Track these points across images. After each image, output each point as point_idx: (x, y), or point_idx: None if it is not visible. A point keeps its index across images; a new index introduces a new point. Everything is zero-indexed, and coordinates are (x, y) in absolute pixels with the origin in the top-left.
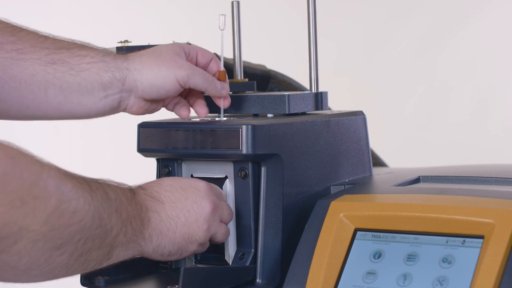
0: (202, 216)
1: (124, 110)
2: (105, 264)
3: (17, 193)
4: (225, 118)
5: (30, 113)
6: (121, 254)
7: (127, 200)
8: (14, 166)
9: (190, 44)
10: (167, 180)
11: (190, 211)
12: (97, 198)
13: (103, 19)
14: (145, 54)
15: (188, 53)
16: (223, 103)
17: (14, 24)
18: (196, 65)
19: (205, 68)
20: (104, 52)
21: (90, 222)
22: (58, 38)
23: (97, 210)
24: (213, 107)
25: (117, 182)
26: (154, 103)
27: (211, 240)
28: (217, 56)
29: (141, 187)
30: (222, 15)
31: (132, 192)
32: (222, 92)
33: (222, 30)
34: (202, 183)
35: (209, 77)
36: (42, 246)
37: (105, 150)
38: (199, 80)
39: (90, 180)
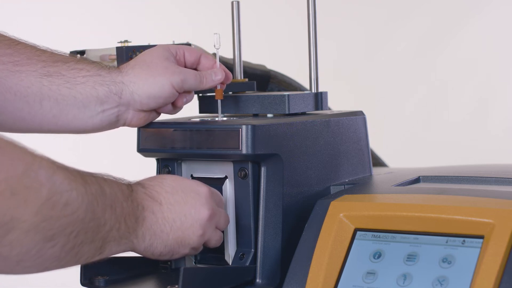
0: (198, 222)
1: (124, 125)
2: (97, 257)
3: (7, 183)
4: (225, 118)
5: (25, 126)
6: (113, 249)
7: (123, 196)
8: (3, 156)
9: (190, 44)
10: (169, 180)
11: (187, 216)
12: (92, 191)
13: (103, 19)
14: (138, 65)
15: (176, 54)
16: (219, 80)
17: (12, 37)
18: (185, 63)
19: (195, 65)
20: (100, 66)
21: (82, 215)
22: (56, 52)
23: (91, 203)
24: (211, 107)
25: (115, 177)
26: (153, 112)
27: (204, 245)
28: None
29: (141, 184)
30: (217, 34)
31: (130, 189)
32: (216, 79)
33: (218, 48)
34: (204, 188)
35: (197, 76)
36: (33, 237)
37: (105, 150)
38: (191, 82)
39: (86, 174)
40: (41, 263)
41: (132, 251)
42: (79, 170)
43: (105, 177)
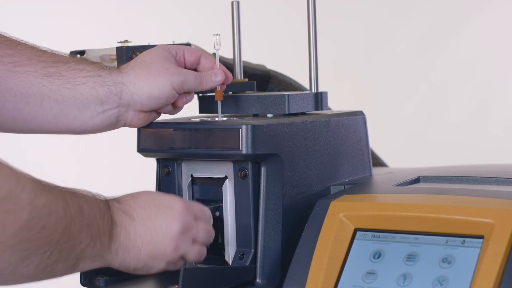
0: (169, 236)
1: (124, 125)
2: (71, 273)
3: None
4: (225, 118)
5: (25, 126)
6: (87, 265)
7: (99, 214)
8: None
9: (190, 44)
10: (145, 195)
11: (158, 230)
12: (71, 213)
13: (103, 19)
14: (138, 65)
15: (176, 54)
16: (219, 81)
17: (13, 37)
18: (184, 64)
19: (194, 65)
20: (100, 66)
21: (58, 236)
22: (56, 52)
23: (68, 226)
24: (211, 107)
25: (93, 194)
26: (153, 112)
27: (185, 259)
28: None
29: (116, 200)
30: (217, 35)
31: (106, 205)
32: (216, 80)
33: (217, 50)
34: (179, 203)
35: (197, 77)
36: (9, 258)
37: (105, 150)
38: (191, 83)
39: (67, 193)
40: (15, 280)
41: (108, 266)
42: (61, 189)
43: (85, 194)
